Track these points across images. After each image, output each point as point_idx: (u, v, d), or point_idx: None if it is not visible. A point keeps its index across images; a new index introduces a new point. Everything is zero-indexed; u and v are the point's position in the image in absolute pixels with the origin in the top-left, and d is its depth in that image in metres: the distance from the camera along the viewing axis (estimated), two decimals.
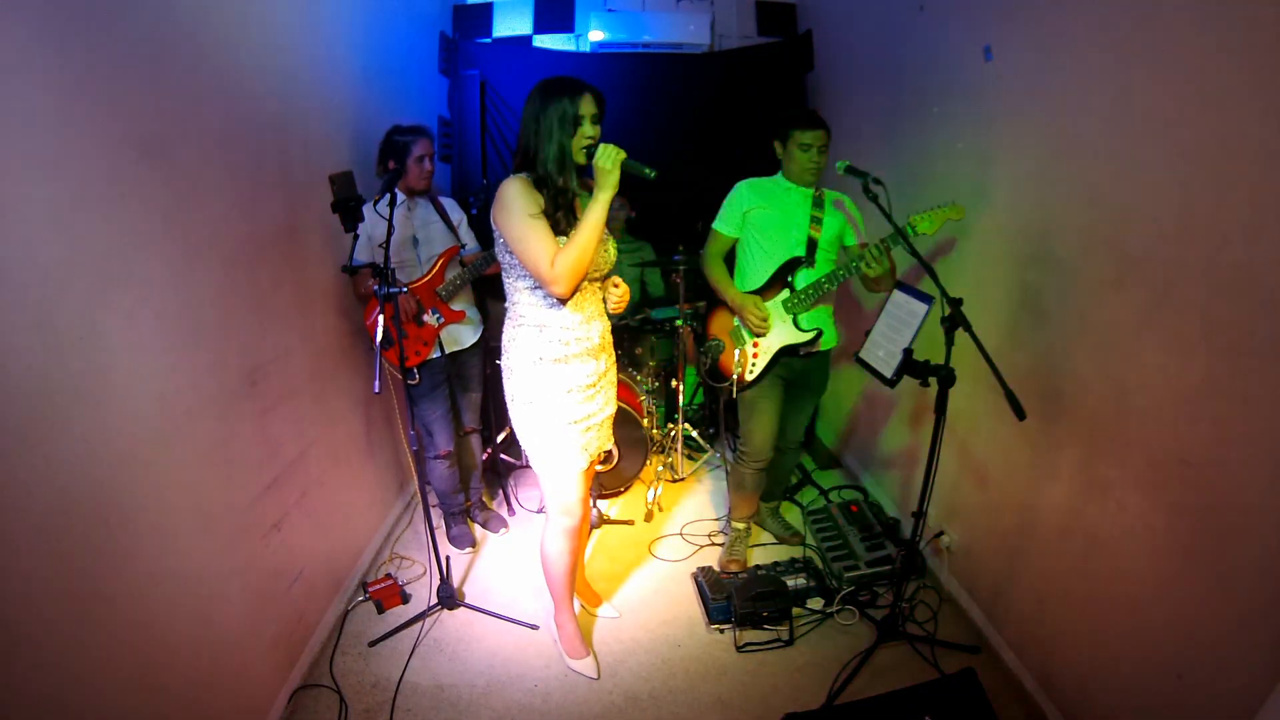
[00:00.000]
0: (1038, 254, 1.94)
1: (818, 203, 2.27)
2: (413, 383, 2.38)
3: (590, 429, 1.91)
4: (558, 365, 1.81)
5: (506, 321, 1.85)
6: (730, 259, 2.44)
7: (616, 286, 1.87)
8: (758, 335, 2.32)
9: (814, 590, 2.39)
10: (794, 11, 3.76)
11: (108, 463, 1.34)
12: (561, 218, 1.69)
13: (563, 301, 1.76)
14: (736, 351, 2.38)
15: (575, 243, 1.64)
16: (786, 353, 2.33)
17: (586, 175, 1.74)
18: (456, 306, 2.47)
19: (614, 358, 1.99)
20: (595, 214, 1.64)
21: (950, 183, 2.38)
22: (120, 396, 1.37)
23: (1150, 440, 1.56)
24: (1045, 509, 1.94)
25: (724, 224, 2.37)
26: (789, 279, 2.27)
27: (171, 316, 1.53)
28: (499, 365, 1.93)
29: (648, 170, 1.64)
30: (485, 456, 3.11)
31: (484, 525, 2.92)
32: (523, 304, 1.79)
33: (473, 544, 2.80)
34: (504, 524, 2.93)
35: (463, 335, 2.55)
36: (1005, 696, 1.96)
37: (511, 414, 1.90)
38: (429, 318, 2.41)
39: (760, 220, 2.29)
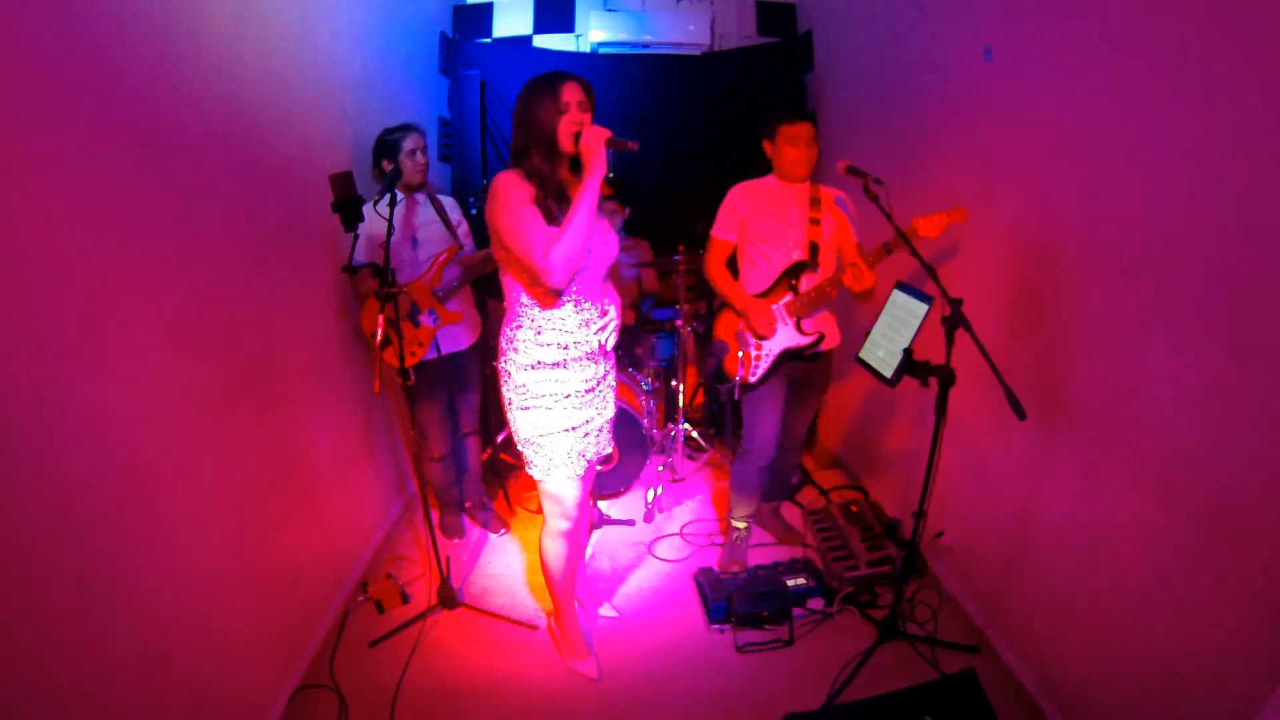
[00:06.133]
0: (1038, 254, 1.94)
1: (814, 203, 2.26)
2: (408, 383, 2.38)
3: (589, 434, 1.88)
4: (556, 370, 1.77)
5: (504, 324, 1.82)
6: (732, 264, 2.44)
7: (604, 314, 1.82)
8: (762, 339, 2.32)
9: (814, 590, 2.39)
10: (794, 11, 3.76)
11: (107, 463, 1.34)
12: (553, 205, 1.66)
13: (559, 296, 1.72)
14: (740, 353, 2.38)
15: (568, 228, 1.59)
16: (789, 356, 2.33)
17: (579, 170, 1.72)
18: (454, 307, 2.47)
19: (612, 361, 1.96)
20: (585, 197, 1.61)
21: (950, 183, 2.38)
22: (119, 397, 1.37)
23: (1150, 440, 1.56)
24: (1045, 509, 1.94)
25: (722, 230, 2.37)
26: (793, 282, 2.27)
27: (171, 316, 1.53)
28: (496, 366, 1.90)
29: (630, 144, 1.63)
30: (485, 456, 3.11)
31: (484, 525, 2.92)
32: (520, 305, 1.76)
33: (461, 535, 2.81)
34: (504, 524, 2.93)
35: (459, 336, 2.54)
36: (1005, 696, 1.95)
37: (509, 418, 1.86)
38: (425, 319, 2.40)
39: (758, 224, 2.29)
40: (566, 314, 1.75)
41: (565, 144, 1.66)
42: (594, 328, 1.81)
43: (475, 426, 2.81)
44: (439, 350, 2.46)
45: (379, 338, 1.96)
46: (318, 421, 2.26)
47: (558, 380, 1.78)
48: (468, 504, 2.92)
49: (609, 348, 1.90)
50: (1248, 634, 1.31)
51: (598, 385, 1.87)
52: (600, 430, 1.93)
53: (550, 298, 1.72)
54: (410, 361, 2.36)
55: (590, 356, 1.82)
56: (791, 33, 3.74)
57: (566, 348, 1.76)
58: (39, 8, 1.18)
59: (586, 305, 1.78)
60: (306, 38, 2.18)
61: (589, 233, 1.63)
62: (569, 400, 1.80)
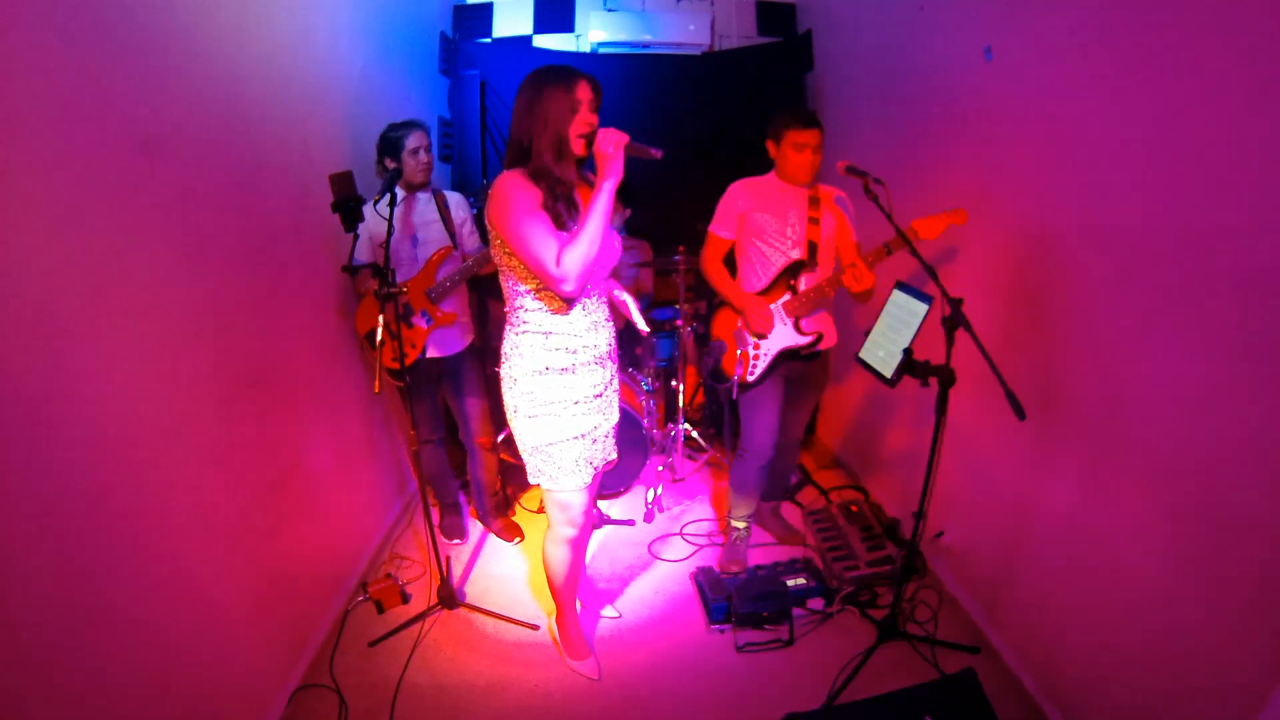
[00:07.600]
0: (1038, 254, 1.94)
1: (814, 202, 2.26)
2: (399, 384, 2.37)
3: (596, 441, 1.83)
4: (564, 375, 1.72)
5: (507, 328, 1.76)
6: (730, 262, 2.44)
7: (622, 305, 1.94)
8: (759, 337, 2.32)
9: (814, 590, 2.38)
10: (794, 11, 3.76)
11: (108, 463, 1.34)
12: (562, 210, 1.58)
13: (569, 304, 1.67)
14: (738, 352, 2.38)
15: (582, 236, 1.52)
16: (787, 355, 2.33)
17: (585, 168, 1.69)
18: (448, 308, 2.44)
19: (616, 366, 1.92)
20: (601, 203, 1.53)
21: (950, 183, 2.38)
22: (120, 397, 1.37)
23: (1150, 440, 1.56)
24: (1045, 509, 1.94)
25: (720, 227, 2.36)
26: (791, 282, 2.27)
27: (171, 316, 1.53)
28: (497, 371, 1.86)
29: (652, 151, 1.55)
30: (497, 488, 2.98)
31: (498, 534, 2.86)
32: (525, 309, 1.69)
33: (462, 536, 2.79)
34: (519, 533, 2.86)
35: (449, 340, 2.49)
36: (1005, 696, 1.95)
37: (512, 426, 1.81)
38: (418, 320, 2.39)
39: (756, 223, 2.28)
40: (575, 318, 1.70)
41: (574, 145, 1.59)
42: (602, 332, 1.78)
43: (489, 439, 2.71)
44: (424, 351, 2.43)
45: (378, 338, 1.96)
46: (318, 421, 2.26)
47: (567, 386, 1.73)
48: (475, 510, 2.89)
49: (643, 327, 1.99)
50: (1248, 634, 1.31)
51: (604, 390, 1.83)
52: (606, 436, 1.89)
53: (559, 303, 1.67)
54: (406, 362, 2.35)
55: (598, 361, 1.78)
56: (791, 33, 3.74)
57: (575, 352, 1.72)
58: (39, 7, 1.18)
59: (593, 308, 1.74)
60: (307, 38, 2.18)
61: (602, 240, 1.57)
62: (578, 406, 1.75)
